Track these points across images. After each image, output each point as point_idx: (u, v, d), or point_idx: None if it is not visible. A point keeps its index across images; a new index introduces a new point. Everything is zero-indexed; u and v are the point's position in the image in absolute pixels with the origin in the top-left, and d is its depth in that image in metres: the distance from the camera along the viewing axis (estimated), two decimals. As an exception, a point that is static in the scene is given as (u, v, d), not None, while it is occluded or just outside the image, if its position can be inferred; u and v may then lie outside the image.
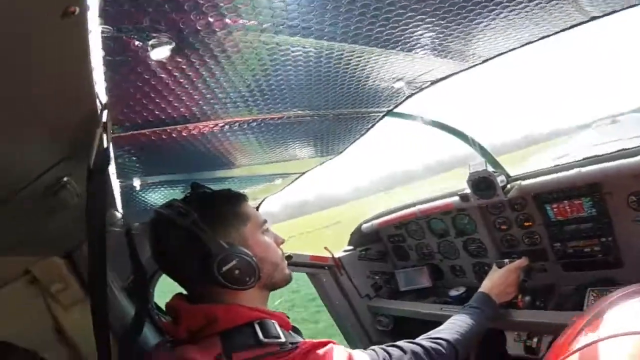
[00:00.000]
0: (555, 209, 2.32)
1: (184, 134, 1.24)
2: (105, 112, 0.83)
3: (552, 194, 2.28)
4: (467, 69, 1.53)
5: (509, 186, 2.26)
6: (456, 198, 2.46)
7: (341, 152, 2.13)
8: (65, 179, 0.98)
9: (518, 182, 2.27)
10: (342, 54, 1.06)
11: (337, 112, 1.52)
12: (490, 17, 1.05)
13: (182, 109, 1.08)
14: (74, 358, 1.57)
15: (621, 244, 2.18)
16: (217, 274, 1.22)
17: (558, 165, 2.27)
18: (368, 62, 1.17)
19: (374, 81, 1.37)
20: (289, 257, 1.61)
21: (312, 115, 1.45)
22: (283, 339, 1.21)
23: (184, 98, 1.02)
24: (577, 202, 2.22)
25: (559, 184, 2.17)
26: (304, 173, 2.32)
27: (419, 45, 1.14)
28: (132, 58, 0.79)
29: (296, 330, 1.48)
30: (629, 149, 2.04)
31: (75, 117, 0.81)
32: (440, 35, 1.11)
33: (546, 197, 2.32)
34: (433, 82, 1.58)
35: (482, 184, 2.25)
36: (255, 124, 1.34)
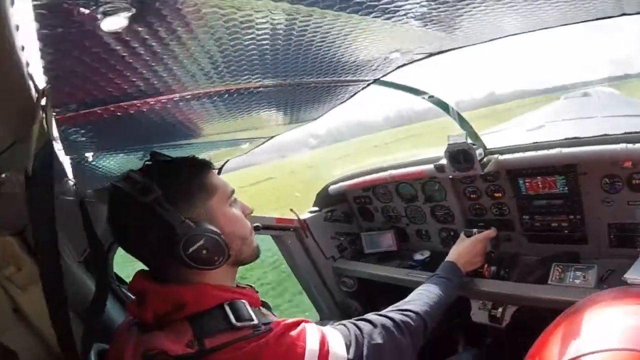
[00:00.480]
0: (527, 184, 2.33)
1: (143, 109, 1.09)
2: (44, 99, 0.72)
3: (527, 169, 2.29)
4: (471, 44, 1.42)
5: (485, 159, 2.25)
6: (431, 167, 2.42)
7: (316, 119, 2.03)
8: (3, 175, 0.88)
9: (495, 156, 2.26)
10: (332, 23, 0.93)
11: (319, 81, 1.40)
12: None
13: (140, 83, 0.93)
14: (34, 339, 1.46)
15: (588, 222, 2.23)
16: (183, 255, 1.14)
17: (537, 142, 2.27)
18: (363, 31, 1.04)
19: (369, 51, 1.26)
20: (257, 228, 1.53)
21: (289, 84, 1.33)
22: (256, 321, 1.16)
23: (142, 72, 0.87)
24: (551, 179, 2.24)
25: (538, 162, 2.18)
26: (273, 137, 2.21)
27: (419, 17, 1.01)
28: (77, 29, 0.64)
29: (265, 305, 1.45)
30: (610, 135, 2.05)
31: (8, 107, 0.69)
32: (446, 8, 0.97)
33: (520, 172, 2.33)
34: (430, 55, 1.47)
35: (459, 156, 2.22)
36: (224, 95, 1.21)
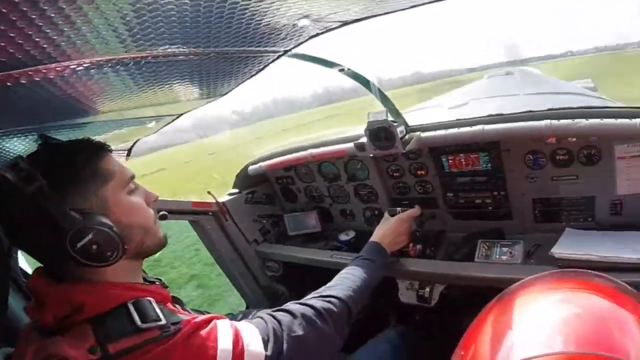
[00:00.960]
0: (450, 161, 2.30)
1: (23, 80, 0.92)
2: None
3: (450, 146, 2.25)
4: (392, 12, 1.29)
5: (407, 137, 2.18)
6: (351, 145, 2.34)
7: (225, 94, 1.87)
8: None
9: (417, 133, 2.19)
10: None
11: (223, 50, 1.25)
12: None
13: (17, 50, 0.76)
14: None
15: (512, 198, 2.23)
16: (71, 252, 1.04)
17: (459, 119, 2.23)
18: None
19: (273, 16, 1.11)
20: (163, 217, 1.43)
21: (192, 53, 1.17)
22: (163, 321, 1.08)
23: (20, 37, 0.71)
24: (474, 156, 2.22)
25: (461, 140, 2.13)
26: (181, 115, 2.04)
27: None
28: None
29: (177, 301, 1.35)
30: (534, 111, 2.03)
31: None
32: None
33: (443, 149, 2.29)
34: (345, 23, 1.33)
35: (380, 133, 2.14)
36: (120, 64, 1.05)
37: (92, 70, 1.00)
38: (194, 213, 2.73)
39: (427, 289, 2.19)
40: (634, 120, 1.71)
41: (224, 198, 2.91)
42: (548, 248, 1.89)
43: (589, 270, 1.18)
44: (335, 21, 1.29)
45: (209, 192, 2.81)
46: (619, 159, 1.90)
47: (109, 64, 1.01)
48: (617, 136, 1.85)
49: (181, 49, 1.08)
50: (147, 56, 1.03)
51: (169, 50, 1.04)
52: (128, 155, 2.25)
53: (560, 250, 1.85)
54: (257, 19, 1.06)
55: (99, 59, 0.95)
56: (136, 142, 2.23)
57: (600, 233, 1.96)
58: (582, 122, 1.79)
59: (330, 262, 2.52)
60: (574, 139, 1.94)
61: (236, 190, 3.04)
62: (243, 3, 0.91)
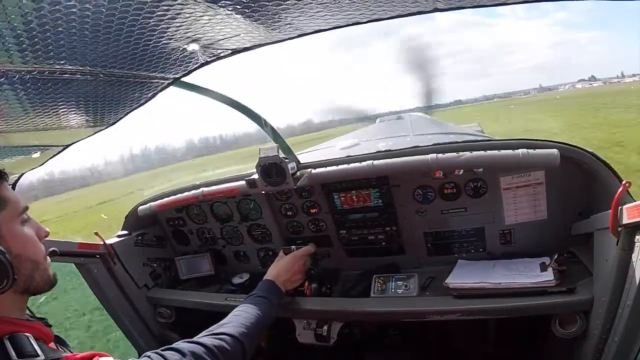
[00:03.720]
0: (342, 198, 2.34)
1: None
2: None
3: (342, 183, 2.29)
4: (278, 41, 1.31)
5: (298, 174, 2.19)
6: (243, 183, 2.31)
7: (113, 124, 1.81)
8: None
9: (309, 170, 2.21)
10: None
11: (110, 72, 1.20)
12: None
13: None
14: None
15: (404, 233, 2.29)
16: None
17: (350, 156, 2.27)
18: (155, 10, 0.87)
19: (161, 38, 1.08)
20: (53, 253, 1.35)
21: (78, 71, 1.11)
22: (41, 356, 1.03)
23: None
24: (365, 193, 2.27)
25: (351, 175, 2.16)
26: (68, 146, 1.96)
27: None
28: None
29: (60, 341, 1.27)
30: (421, 147, 2.11)
31: None
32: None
33: (334, 186, 2.32)
34: (235, 51, 1.34)
35: (272, 170, 2.14)
36: (14, 77, 0.99)
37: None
38: (80, 255, 2.55)
39: (325, 328, 2.17)
40: (516, 151, 1.81)
41: (112, 240, 2.76)
42: (441, 280, 1.96)
43: None
44: (225, 48, 1.29)
45: (96, 234, 2.64)
46: (505, 190, 2.02)
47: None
48: (501, 167, 1.96)
49: (67, 66, 1.04)
50: (33, 70, 0.98)
51: (56, 66, 1.00)
52: (12, 188, 2.11)
53: (453, 280, 1.93)
54: (146, 39, 1.04)
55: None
56: (21, 175, 2.11)
57: (492, 262, 2.06)
58: (467, 154, 1.87)
59: (223, 305, 2.45)
60: (461, 172, 2.04)
61: (125, 232, 2.89)
62: (130, 20, 0.89)
